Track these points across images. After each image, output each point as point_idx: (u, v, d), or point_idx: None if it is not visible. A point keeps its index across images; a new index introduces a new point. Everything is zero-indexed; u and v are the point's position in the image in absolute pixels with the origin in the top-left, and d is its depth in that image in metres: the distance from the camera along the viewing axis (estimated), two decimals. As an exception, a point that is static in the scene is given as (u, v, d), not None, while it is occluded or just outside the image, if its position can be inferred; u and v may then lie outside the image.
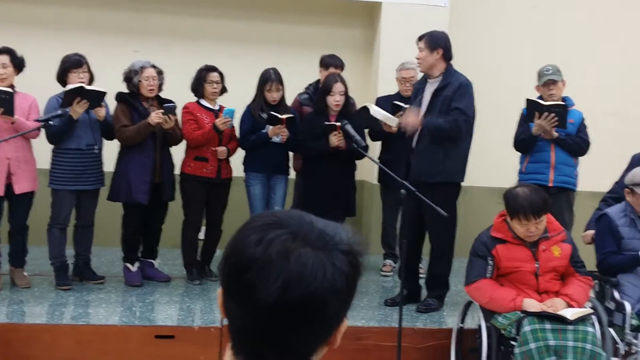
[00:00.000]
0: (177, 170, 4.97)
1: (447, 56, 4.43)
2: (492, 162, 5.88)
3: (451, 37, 4.56)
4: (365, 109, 4.61)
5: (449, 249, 4.51)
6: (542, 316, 3.29)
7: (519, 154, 4.74)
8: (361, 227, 6.39)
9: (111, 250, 5.43)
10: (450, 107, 4.30)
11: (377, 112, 4.54)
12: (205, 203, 4.96)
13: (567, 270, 3.56)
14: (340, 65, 5.25)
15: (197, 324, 4.06)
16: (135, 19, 6.29)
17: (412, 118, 4.33)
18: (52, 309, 4.25)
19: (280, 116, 4.70)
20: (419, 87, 4.62)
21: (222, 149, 4.87)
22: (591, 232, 4.06)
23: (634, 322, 3.56)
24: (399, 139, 4.59)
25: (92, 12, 6.22)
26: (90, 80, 4.70)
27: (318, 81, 5.31)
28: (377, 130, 4.92)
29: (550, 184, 4.47)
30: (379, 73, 6.15)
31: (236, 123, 4.97)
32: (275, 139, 4.85)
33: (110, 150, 4.86)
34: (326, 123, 4.67)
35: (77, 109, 4.45)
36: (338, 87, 4.72)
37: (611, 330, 3.54)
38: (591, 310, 3.46)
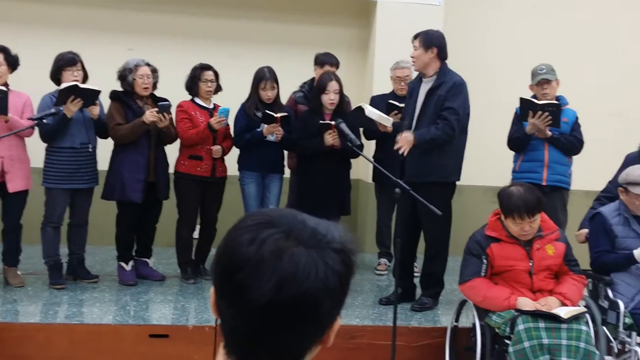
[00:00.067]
0: (171, 169, 4.96)
1: (442, 55, 4.43)
2: (486, 161, 5.89)
3: (446, 36, 4.57)
4: (360, 109, 4.61)
5: (443, 247, 4.51)
6: (536, 315, 3.30)
7: (513, 152, 4.75)
8: (356, 225, 6.39)
9: (105, 249, 5.42)
10: (444, 107, 4.31)
11: (372, 112, 4.54)
12: (199, 202, 4.95)
13: (561, 269, 3.58)
14: (335, 63, 5.25)
15: (192, 323, 4.05)
16: (130, 18, 6.27)
17: (406, 140, 4.29)
18: (46, 308, 4.24)
19: (274, 115, 4.69)
20: (414, 86, 4.62)
21: (217, 148, 4.86)
22: (585, 231, 4.07)
23: (628, 320, 3.57)
24: (394, 138, 4.59)
25: (86, 10, 6.20)
26: (84, 79, 4.68)
27: (313, 79, 5.31)
28: (372, 129, 4.92)
29: (544, 183, 4.48)
30: (374, 72, 6.15)
31: (231, 122, 4.96)
32: (270, 138, 4.84)
33: (105, 149, 4.85)
34: (321, 122, 4.67)
35: (71, 108, 4.44)
36: (333, 85, 4.72)
37: (605, 328, 3.55)
38: (585, 309, 3.48)
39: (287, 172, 5.24)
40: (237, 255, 0.91)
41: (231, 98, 5.01)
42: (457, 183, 4.56)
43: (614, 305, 3.60)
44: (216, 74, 4.96)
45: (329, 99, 4.72)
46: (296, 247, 0.91)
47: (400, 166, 4.43)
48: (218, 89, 4.99)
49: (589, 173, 5.32)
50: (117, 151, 4.78)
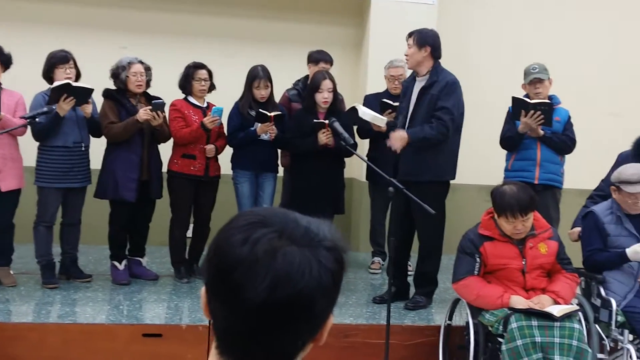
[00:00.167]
0: (164, 168, 4.95)
1: (435, 54, 4.44)
2: (479, 160, 5.91)
3: (439, 35, 4.57)
4: (353, 110, 4.61)
5: (437, 246, 4.52)
6: (529, 313, 3.31)
7: (506, 151, 4.76)
8: (350, 224, 6.40)
9: (98, 249, 5.40)
10: (437, 106, 4.31)
11: (365, 113, 4.54)
12: (193, 201, 4.94)
13: (553, 268, 3.59)
14: (329, 60, 5.25)
15: (185, 322, 4.05)
16: (124, 15, 6.26)
17: (399, 137, 4.30)
18: (39, 308, 4.22)
19: (268, 113, 4.68)
20: (408, 85, 4.63)
21: (210, 147, 4.85)
22: (578, 229, 4.09)
23: (620, 318, 3.58)
24: (388, 136, 4.59)
25: (79, 8, 6.17)
26: (77, 77, 4.66)
27: (307, 77, 5.30)
28: (366, 128, 4.92)
29: (536, 182, 4.49)
30: (368, 71, 6.16)
31: (224, 121, 4.95)
32: (264, 137, 4.84)
33: (98, 148, 4.83)
34: (315, 121, 4.67)
35: (64, 106, 4.42)
36: (326, 84, 4.72)
37: (597, 326, 3.57)
38: (577, 307, 3.49)
39: (281, 171, 5.24)
40: (230, 255, 0.91)
41: (225, 97, 5.00)
42: (451, 182, 4.57)
43: (606, 304, 3.62)
44: (210, 73, 4.95)
45: (323, 97, 4.72)
46: (289, 246, 0.91)
47: (394, 165, 4.43)
48: (212, 87, 4.98)
49: (582, 172, 5.34)
50: (110, 150, 4.77)
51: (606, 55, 6.72)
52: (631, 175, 3.67)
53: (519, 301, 3.40)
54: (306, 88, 5.04)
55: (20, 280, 4.69)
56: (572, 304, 3.51)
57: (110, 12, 6.24)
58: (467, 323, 3.59)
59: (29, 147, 4.68)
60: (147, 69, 4.79)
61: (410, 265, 4.93)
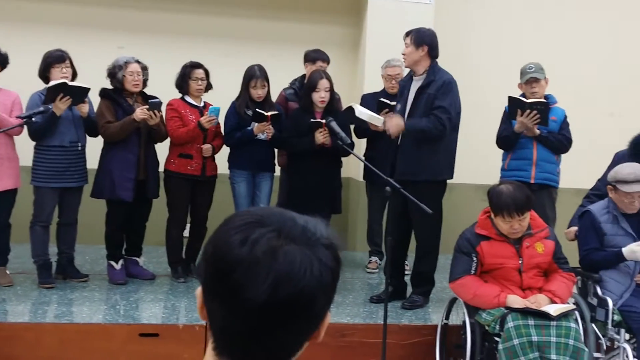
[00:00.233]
0: (161, 168, 4.94)
1: (433, 54, 4.44)
2: (476, 160, 5.91)
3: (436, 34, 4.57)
4: (350, 109, 4.61)
5: (434, 246, 4.53)
6: (526, 312, 3.31)
7: (502, 151, 4.76)
8: (347, 224, 6.40)
9: (95, 248, 5.39)
10: (434, 105, 4.32)
11: (362, 112, 4.54)
12: (189, 200, 4.94)
13: (550, 267, 3.60)
14: (326, 59, 5.25)
15: (182, 322, 4.04)
16: (121, 15, 6.25)
17: (395, 123, 4.32)
18: (35, 308, 4.21)
19: (265, 113, 4.68)
20: (405, 84, 4.63)
21: (207, 147, 4.84)
22: (574, 228, 4.09)
23: (616, 317, 3.59)
24: (385, 136, 4.60)
25: (76, 7, 6.16)
26: (74, 76, 4.65)
27: (303, 76, 5.30)
28: (363, 127, 4.92)
29: (532, 181, 4.50)
30: (365, 70, 6.16)
31: (221, 120, 4.95)
32: (261, 136, 4.83)
33: (94, 147, 4.82)
34: (312, 120, 4.67)
35: (60, 106, 4.41)
36: (323, 83, 4.71)
37: (594, 325, 3.58)
38: (574, 306, 3.50)
39: (278, 171, 5.23)
40: (229, 256, 0.90)
41: (222, 96, 5.00)
42: (448, 181, 4.57)
43: (602, 303, 3.62)
44: (207, 72, 4.94)
45: (320, 97, 4.71)
46: (289, 245, 0.91)
47: (391, 165, 4.43)
48: (208, 87, 4.98)
49: (578, 171, 5.35)
50: (106, 149, 4.76)
51: (604, 55, 6.73)
52: (627, 174, 3.68)
53: (515, 300, 3.41)
54: (303, 87, 5.03)
55: (17, 280, 4.68)
56: (568, 303, 3.52)
57: (107, 12, 6.22)
58: (464, 322, 3.60)
59: (25, 146, 4.66)
60: (144, 69, 4.79)
61: (407, 265, 4.93)
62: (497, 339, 3.35)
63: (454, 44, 5.96)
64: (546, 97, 4.60)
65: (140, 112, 4.59)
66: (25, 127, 4.48)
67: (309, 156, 4.70)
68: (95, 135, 4.77)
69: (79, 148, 4.64)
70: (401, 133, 4.42)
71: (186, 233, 5.08)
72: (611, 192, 3.78)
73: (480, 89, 6.10)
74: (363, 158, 4.90)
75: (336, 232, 0.98)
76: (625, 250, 3.63)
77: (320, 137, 4.63)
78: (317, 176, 4.72)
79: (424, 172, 4.35)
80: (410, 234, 4.61)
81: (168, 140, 4.92)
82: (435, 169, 4.39)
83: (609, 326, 3.57)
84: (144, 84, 4.82)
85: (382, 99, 5.10)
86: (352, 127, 5.04)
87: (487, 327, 3.43)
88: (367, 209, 5.70)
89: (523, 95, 4.59)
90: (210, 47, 6.13)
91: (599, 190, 4.17)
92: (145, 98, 4.78)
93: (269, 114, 4.69)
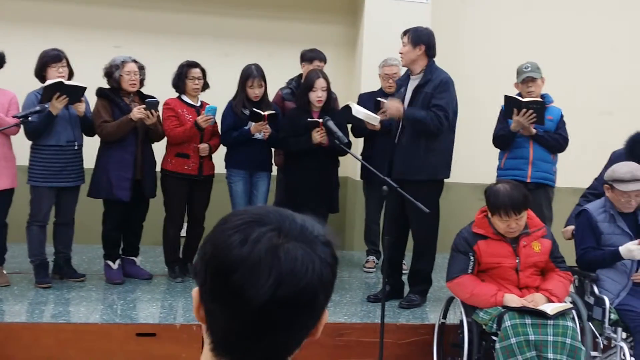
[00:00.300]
0: (158, 167, 4.94)
1: (430, 53, 4.44)
2: (473, 159, 5.92)
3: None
4: (347, 109, 4.61)
5: (431, 245, 4.53)
6: (523, 311, 3.32)
7: (499, 150, 4.77)
8: (344, 223, 6.40)
9: (92, 248, 5.38)
10: (431, 104, 4.32)
11: (359, 111, 4.54)
12: (187, 200, 4.93)
13: (547, 266, 3.60)
14: (323, 59, 5.25)
15: (179, 321, 4.04)
16: (117, 14, 6.23)
17: (395, 106, 4.34)
18: (32, 308, 4.21)
19: (262, 113, 4.68)
20: (402, 83, 4.63)
21: (204, 146, 4.84)
22: (571, 227, 4.10)
23: (613, 316, 3.60)
24: (382, 135, 4.60)
25: (73, 6, 6.15)
26: (70, 76, 4.64)
27: (300, 75, 5.30)
28: (361, 127, 4.92)
29: (528, 180, 4.51)
30: (362, 69, 6.16)
31: (218, 119, 4.94)
32: (258, 136, 4.83)
33: (91, 147, 4.81)
34: (309, 120, 4.66)
35: (57, 105, 4.40)
36: (320, 83, 4.71)
37: (590, 324, 3.58)
38: (571, 305, 3.50)
39: (275, 170, 5.23)
40: (230, 257, 0.90)
41: (219, 96, 4.99)
42: (445, 180, 4.57)
43: (599, 302, 3.63)
44: (203, 72, 4.94)
45: (317, 96, 4.71)
46: (289, 243, 0.91)
47: (389, 164, 4.44)
48: (205, 86, 4.97)
49: (575, 170, 5.36)
50: (103, 149, 4.75)
51: (601, 54, 6.74)
52: (624, 173, 3.69)
53: (512, 299, 3.41)
54: (300, 87, 5.03)
55: (14, 280, 4.68)
56: (565, 302, 3.52)
57: (104, 11, 6.21)
58: (461, 321, 3.60)
59: (22, 146, 4.66)
60: (141, 68, 4.78)
61: (404, 264, 4.93)
62: (494, 338, 3.35)
63: (450, 43, 5.97)
64: (542, 96, 4.60)
65: (137, 112, 4.58)
66: (21, 126, 4.47)
67: (306, 156, 4.70)
68: (92, 135, 4.76)
69: (76, 147, 4.64)
70: (398, 131, 4.43)
71: (183, 233, 5.07)
72: (608, 191, 3.78)
73: (476, 88, 6.11)
74: (360, 157, 4.89)
75: (333, 230, 0.99)
76: (622, 249, 3.64)
77: (318, 136, 4.62)
78: (314, 175, 4.71)
79: (421, 172, 4.35)
80: (408, 233, 4.61)
81: (165, 140, 4.91)
82: (432, 168, 4.39)
83: (606, 325, 3.58)
84: (141, 84, 4.81)
85: (379, 98, 5.09)
86: (349, 126, 5.04)
87: (484, 326, 3.43)
88: (365, 208, 5.70)
89: (519, 94, 4.59)
90: (207, 47, 6.12)
91: (596, 190, 4.18)
92: (142, 97, 4.77)
93: (266, 113, 4.68)
